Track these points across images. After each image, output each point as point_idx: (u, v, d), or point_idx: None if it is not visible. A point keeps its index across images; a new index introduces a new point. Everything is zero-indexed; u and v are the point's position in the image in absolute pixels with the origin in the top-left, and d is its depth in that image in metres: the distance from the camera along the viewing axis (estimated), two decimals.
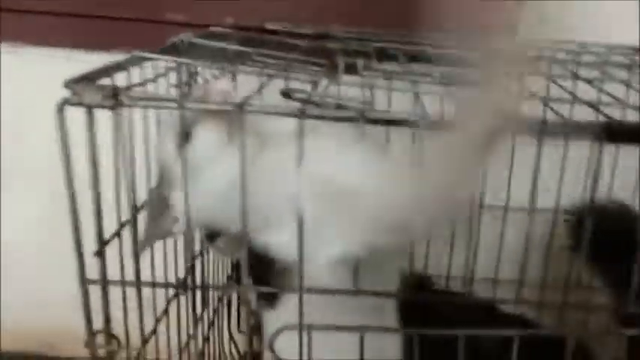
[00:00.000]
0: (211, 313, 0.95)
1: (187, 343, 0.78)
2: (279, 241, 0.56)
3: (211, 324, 0.95)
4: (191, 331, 0.70)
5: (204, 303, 0.87)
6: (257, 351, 1.08)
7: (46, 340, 1.22)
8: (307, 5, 1.03)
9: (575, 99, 0.63)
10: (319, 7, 1.04)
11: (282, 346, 0.55)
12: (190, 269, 0.57)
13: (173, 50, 0.71)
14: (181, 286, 0.55)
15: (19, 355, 1.19)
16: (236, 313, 1.07)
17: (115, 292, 0.54)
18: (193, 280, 0.59)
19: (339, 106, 0.51)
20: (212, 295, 0.95)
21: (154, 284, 0.56)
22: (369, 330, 0.54)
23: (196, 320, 0.59)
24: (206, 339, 0.92)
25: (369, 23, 0.98)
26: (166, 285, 0.59)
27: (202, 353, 0.90)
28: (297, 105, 0.51)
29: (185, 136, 0.56)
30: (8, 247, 1.18)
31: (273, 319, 0.62)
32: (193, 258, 0.62)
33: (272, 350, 0.54)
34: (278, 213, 0.55)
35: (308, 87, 0.58)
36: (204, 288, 0.80)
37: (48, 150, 1.14)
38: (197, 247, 0.82)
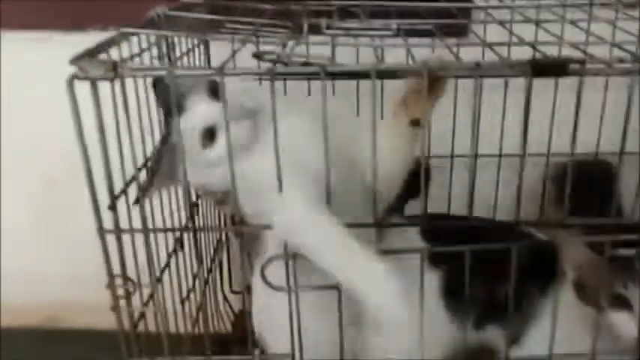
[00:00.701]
0: (206, 273, 1.04)
1: (192, 287, 0.88)
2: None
3: (206, 282, 1.04)
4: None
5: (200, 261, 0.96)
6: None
7: (49, 314, 1.29)
8: None
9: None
10: None
11: None
12: (191, 216, 0.66)
13: (153, 24, 0.78)
14: (184, 229, 0.64)
15: (24, 330, 1.24)
16: (228, 275, 1.17)
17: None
18: (194, 224, 0.67)
19: (305, 64, 0.59)
20: (206, 255, 1.04)
21: (153, 230, 0.65)
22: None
23: (200, 258, 0.68)
24: (203, 293, 1.01)
25: None
26: (172, 230, 0.68)
27: (202, 305, 0.99)
28: (267, 65, 0.59)
29: (179, 107, 0.63)
30: (6, 227, 1.25)
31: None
32: (192, 206, 0.71)
33: (264, 278, 0.64)
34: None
35: (277, 49, 0.66)
36: (204, 230, 0.88)
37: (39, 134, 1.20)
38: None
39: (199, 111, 0.65)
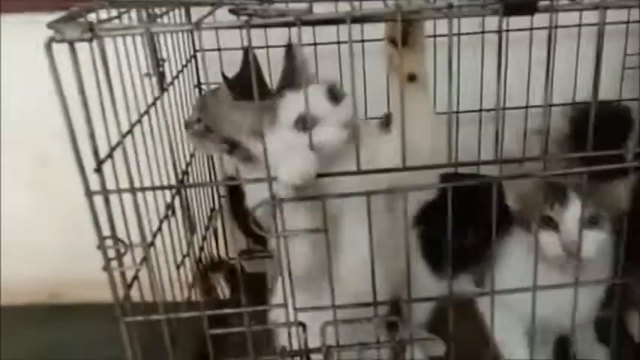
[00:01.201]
0: (200, 240, 1.05)
1: (187, 253, 0.89)
2: None
3: (201, 249, 1.06)
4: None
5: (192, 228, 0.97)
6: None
7: (50, 290, 1.30)
8: None
9: None
10: None
11: None
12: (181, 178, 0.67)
13: None
14: (176, 187, 0.64)
15: (26, 307, 1.26)
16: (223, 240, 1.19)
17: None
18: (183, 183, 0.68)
19: (280, 15, 0.60)
20: (200, 221, 1.05)
21: (142, 189, 0.65)
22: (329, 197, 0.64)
23: (189, 218, 0.69)
24: (198, 260, 1.03)
25: None
26: (161, 188, 0.68)
27: (197, 269, 1.01)
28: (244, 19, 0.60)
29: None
30: (6, 205, 1.26)
31: None
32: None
33: (254, 222, 0.65)
34: None
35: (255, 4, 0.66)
36: (194, 186, 0.89)
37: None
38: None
39: (313, 101, 0.66)
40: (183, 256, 0.88)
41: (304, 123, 0.70)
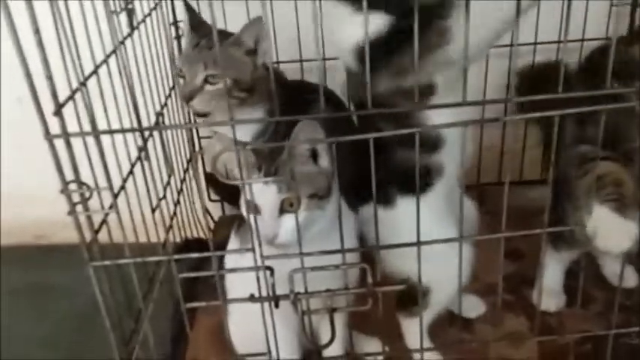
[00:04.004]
0: (179, 183, 1.05)
1: (164, 196, 0.89)
2: None
3: (180, 191, 1.05)
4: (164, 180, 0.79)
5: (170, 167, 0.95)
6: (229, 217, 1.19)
7: (36, 232, 1.32)
8: None
9: None
10: None
11: None
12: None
13: None
14: (142, 130, 0.62)
15: (12, 247, 1.28)
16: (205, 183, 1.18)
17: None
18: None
19: None
20: (178, 164, 1.04)
21: (109, 132, 0.64)
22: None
23: (168, 161, 0.67)
24: (176, 203, 1.02)
25: None
26: (121, 131, 0.66)
27: (175, 213, 1.00)
28: None
29: None
30: None
31: None
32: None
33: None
34: None
35: None
36: (169, 128, 0.88)
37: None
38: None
39: None
40: (159, 199, 0.87)
41: None
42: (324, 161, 0.69)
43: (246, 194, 0.66)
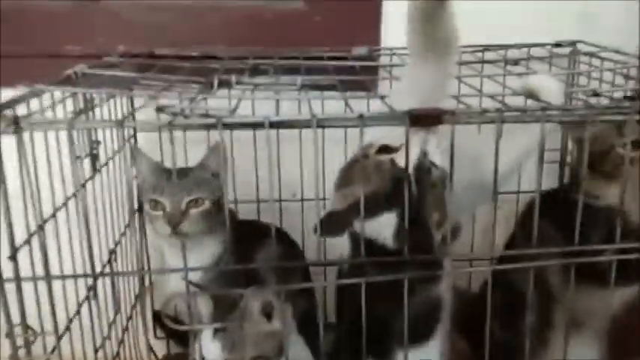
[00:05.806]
0: (125, 321, 1.04)
1: (107, 336, 0.88)
2: None
3: (125, 329, 1.04)
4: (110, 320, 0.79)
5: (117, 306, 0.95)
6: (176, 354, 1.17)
7: None
8: (196, 30, 1.15)
9: None
10: (208, 31, 1.16)
11: None
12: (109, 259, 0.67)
13: (68, 82, 0.82)
14: (95, 276, 0.65)
15: None
16: (152, 320, 1.17)
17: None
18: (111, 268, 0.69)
19: (204, 116, 0.63)
20: (125, 300, 1.04)
21: (62, 277, 0.66)
22: None
23: (117, 304, 0.68)
24: (120, 342, 1.01)
25: (253, 43, 1.11)
26: (73, 276, 0.68)
27: (118, 354, 0.98)
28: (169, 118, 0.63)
29: None
30: None
31: None
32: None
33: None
34: None
35: (182, 102, 0.70)
36: (121, 274, 0.89)
37: None
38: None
39: None
40: (104, 339, 0.87)
41: None
42: (277, 322, 0.72)
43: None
